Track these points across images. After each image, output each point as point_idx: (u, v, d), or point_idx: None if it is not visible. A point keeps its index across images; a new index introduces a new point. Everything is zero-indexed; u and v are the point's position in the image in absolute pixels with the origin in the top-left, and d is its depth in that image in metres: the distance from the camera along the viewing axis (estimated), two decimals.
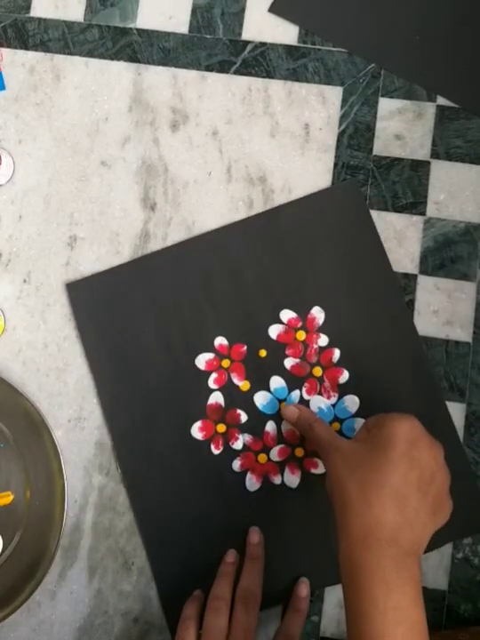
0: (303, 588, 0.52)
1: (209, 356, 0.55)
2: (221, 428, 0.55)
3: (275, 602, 0.53)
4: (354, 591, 0.41)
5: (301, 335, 0.55)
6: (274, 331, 0.55)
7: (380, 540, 0.41)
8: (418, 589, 0.41)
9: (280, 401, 0.55)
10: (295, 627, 0.51)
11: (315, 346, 0.55)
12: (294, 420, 0.52)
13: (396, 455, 0.43)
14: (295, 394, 0.55)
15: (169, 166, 0.58)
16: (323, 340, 0.55)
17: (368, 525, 0.41)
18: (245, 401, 0.55)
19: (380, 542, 0.41)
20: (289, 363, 0.55)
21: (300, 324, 0.55)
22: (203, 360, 0.55)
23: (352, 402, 0.54)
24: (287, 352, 0.55)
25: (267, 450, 0.54)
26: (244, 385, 0.55)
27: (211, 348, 0.55)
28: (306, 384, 0.55)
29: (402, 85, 0.58)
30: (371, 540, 0.41)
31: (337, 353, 0.55)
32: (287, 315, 0.55)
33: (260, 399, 0.55)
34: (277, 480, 0.54)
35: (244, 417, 0.55)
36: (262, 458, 0.54)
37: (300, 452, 0.54)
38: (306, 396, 0.55)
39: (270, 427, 0.55)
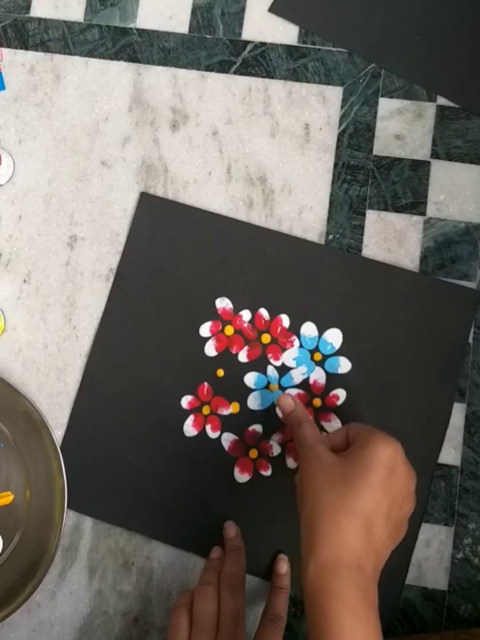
0: (282, 565, 0.53)
1: (191, 418, 0.55)
2: (254, 453, 0.55)
3: (260, 574, 0.54)
4: (321, 618, 0.41)
5: (230, 330, 0.56)
6: (209, 348, 0.56)
7: (349, 567, 0.41)
8: (378, 616, 0.41)
9: (267, 387, 0.55)
10: (280, 604, 0.51)
11: (244, 325, 0.56)
12: (288, 412, 0.51)
13: (375, 481, 0.43)
14: (270, 370, 0.55)
15: (169, 166, 0.58)
16: (246, 315, 0.56)
17: (339, 552, 0.41)
18: (248, 417, 0.55)
19: (349, 569, 0.41)
20: (243, 356, 0.55)
21: (220, 326, 0.56)
22: (189, 424, 0.55)
23: (335, 335, 0.55)
24: (233, 352, 0.55)
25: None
26: (234, 408, 0.55)
27: (185, 413, 0.55)
28: (268, 355, 0.55)
29: (402, 85, 0.58)
30: (340, 566, 0.41)
31: (263, 311, 0.56)
32: (205, 327, 0.56)
33: (254, 404, 0.55)
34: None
35: (259, 428, 0.55)
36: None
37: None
38: (278, 363, 0.55)
39: (279, 412, 0.55)
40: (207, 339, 0.56)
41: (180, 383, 0.56)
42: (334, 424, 0.54)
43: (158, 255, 0.57)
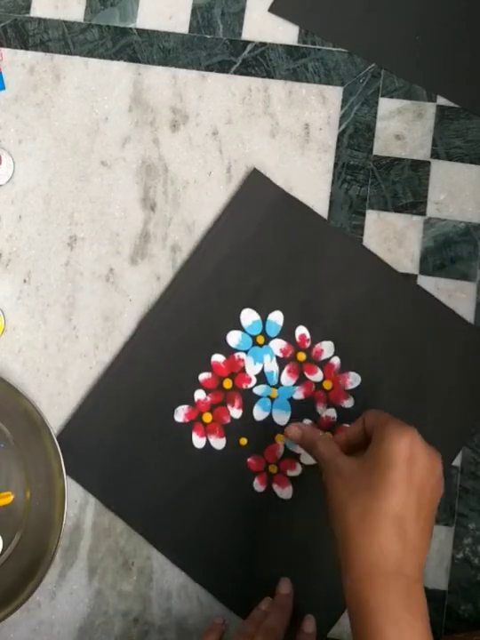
0: (309, 625, 0.52)
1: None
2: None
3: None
4: (363, 630, 0.40)
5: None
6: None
7: (386, 574, 0.40)
8: (427, 621, 0.40)
9: (273, 387, 0.55)
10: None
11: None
12: (298, 438, 0.50)
13: (396, 478, 0.41)
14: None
15: (169, 166, 0.58)
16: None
17: (372, 560, 0.40)
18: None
19: (386, 577, 0.40)
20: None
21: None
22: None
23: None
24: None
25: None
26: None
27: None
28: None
29: (402, 85, 0.58)
30: (376, 575, 0.40)
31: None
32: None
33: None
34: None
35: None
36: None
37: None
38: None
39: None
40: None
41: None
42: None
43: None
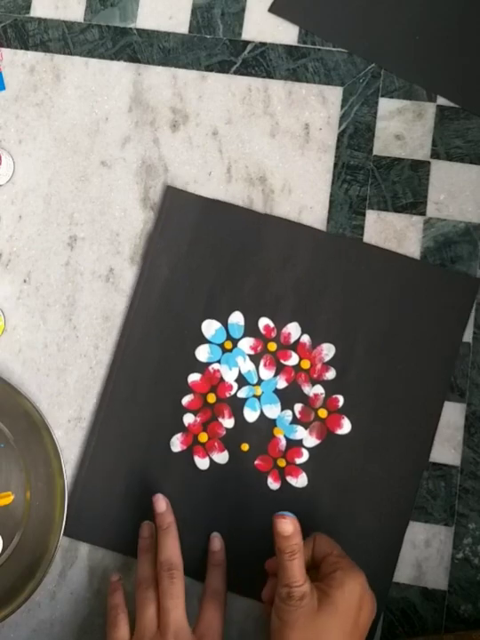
0: (216, 543, 0.53)
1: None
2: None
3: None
4: None
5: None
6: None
7: None
8: None
9: (255, 385, 0.55)
10: (218, 581, 0.52)
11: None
12: (286, 535, 0.48)
13: (348, 630, 0.45)
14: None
15: (169, 166, 0.58)
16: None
17: None
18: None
19: None
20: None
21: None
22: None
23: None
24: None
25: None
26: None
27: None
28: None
29: (402, 85, 0.58)
30: None
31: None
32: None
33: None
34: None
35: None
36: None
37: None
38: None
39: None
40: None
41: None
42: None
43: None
